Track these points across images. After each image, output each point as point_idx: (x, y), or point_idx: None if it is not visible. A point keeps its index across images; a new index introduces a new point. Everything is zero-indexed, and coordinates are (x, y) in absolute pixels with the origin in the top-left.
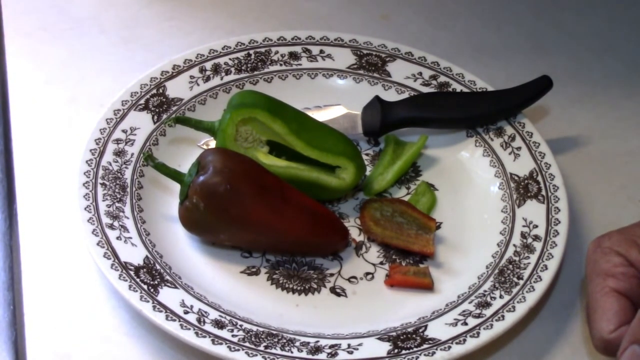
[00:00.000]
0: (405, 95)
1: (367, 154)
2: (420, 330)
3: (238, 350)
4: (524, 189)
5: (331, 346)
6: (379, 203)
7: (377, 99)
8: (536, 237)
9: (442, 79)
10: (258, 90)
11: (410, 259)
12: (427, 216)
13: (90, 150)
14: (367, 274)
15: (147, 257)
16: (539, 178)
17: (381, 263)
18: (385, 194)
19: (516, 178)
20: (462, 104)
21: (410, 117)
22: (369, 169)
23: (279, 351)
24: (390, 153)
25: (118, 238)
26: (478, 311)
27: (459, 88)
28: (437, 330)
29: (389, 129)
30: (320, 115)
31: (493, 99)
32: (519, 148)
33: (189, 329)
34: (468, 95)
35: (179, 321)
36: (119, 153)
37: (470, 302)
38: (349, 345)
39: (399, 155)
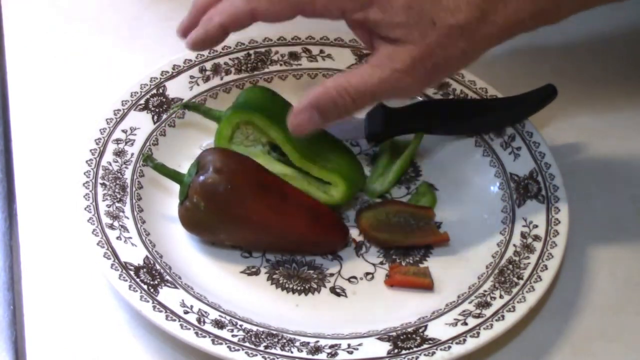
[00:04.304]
0: None
1: (367, 154)
2: (420, 330)
3: (238, 350)
4: (524, 189)
5: (331, 346)
6: (371, 211)
7: (381, 105)
8: (536, 237)
9: None
10: (269, 88)
11: (410, 259)
12: (420, 207)
13: (90, 150)
14: (367, 274)
15: (147, 257)
16: (539, 178)
17: (381, 263)
18: (385, 194)
19: (516, 178)
20: (466, 113)
21: (413, 125)
22: (368, 170)
23: (279, 351)
24: (388, 154)
25: (118, 238)
26: (478, 311)
27: (459, 88)
28: (437, 330)
29: (391, 135)
30: None
31: (497, 108)
32: (519, 148)
33: (189, 329)
34: (472, 103)
35: (179, 321)
36: (119, 153)
37: (470, 302)
38: (349, 345)
39: (397, 154)
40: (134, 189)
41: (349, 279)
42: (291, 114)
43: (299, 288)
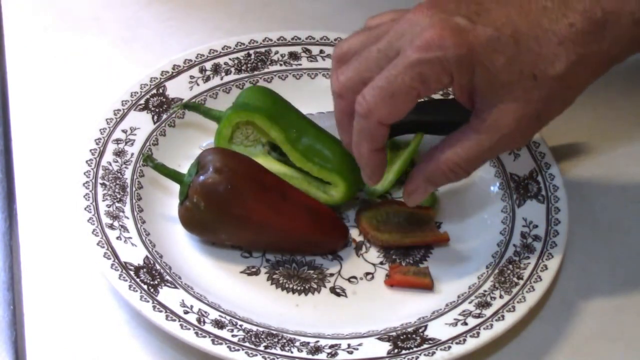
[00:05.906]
0: None
1: None
2: (420, 330)
3: (238, 350)
4: (524, 189)
5: (331, 346)
6: (371, 211)
7: None
8: (536, 237)
9: None
10: (269, 88)
11: (410, 259)
12: (420, 207)
13: (90, 150)
14: (367, 274)
15: (147, 257)
16: (539, 178)
17: (381, 263)
18: (385, 194)
19: (516, 178)
20: (466, 113)
21: (413, 124)
22: None
23: (279, 351)
24: (388, 154)
25: (118, 238)
26: (478, 311)
27: None
28: (437, 330)
29: (391, 135)
30: (324, 121)
31: None
32: (518, 148)
33: (189, 329)
34: None
35: (179, 321)
36: (119, 153)
37: (470, 302)
38: (349, 345)
39: (397, 154)
40: (134, 189)
41: (349, 279)
42: (406, 190)
43: (299, 288)
